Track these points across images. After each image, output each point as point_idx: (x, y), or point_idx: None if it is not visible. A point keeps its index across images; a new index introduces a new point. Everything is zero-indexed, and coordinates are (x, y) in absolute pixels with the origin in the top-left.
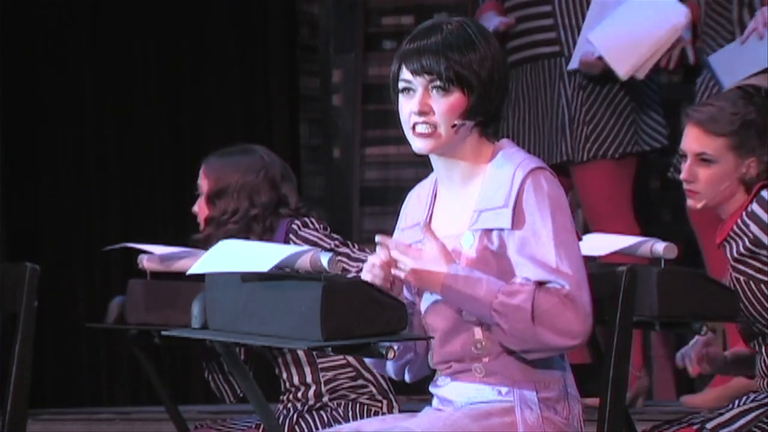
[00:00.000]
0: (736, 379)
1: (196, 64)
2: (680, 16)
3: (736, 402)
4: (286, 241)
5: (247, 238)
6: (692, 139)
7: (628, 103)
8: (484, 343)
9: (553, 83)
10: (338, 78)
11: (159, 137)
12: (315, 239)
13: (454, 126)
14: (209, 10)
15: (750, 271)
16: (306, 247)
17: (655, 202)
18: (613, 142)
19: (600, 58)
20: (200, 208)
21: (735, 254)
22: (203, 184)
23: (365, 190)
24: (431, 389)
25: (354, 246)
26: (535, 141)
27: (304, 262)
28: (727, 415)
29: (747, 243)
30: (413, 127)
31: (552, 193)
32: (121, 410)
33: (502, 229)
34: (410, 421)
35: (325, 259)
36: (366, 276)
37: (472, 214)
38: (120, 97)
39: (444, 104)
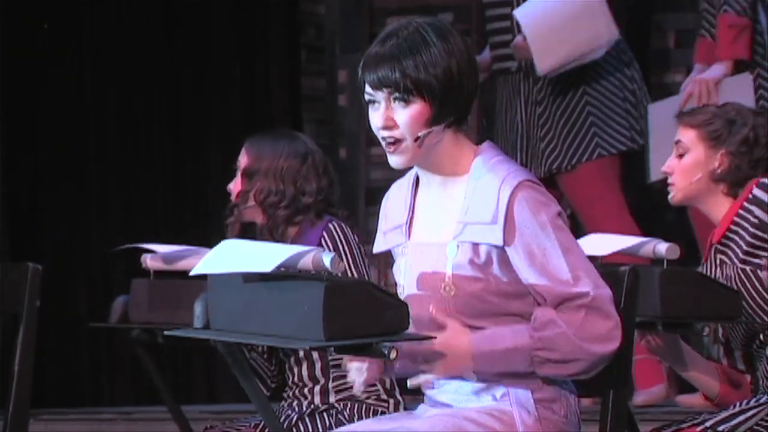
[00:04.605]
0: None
1: (198, 64)
2: (612, 34)
3: (737, 404)
4: (319, 239)
5: (285, 228)
6: None
7: (588, 113)
8: None
9: (512, 99)
10: (344, 78)
11: (161, 137)
12: (343, 249)
13: (417, 139)
14: (211, 11)
15: (759, 261)
16: (308, 247)
17: (658, 203)
18: (567, 153)
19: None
20: (235, 185)
21: (744, 248)
22: (242, 160)
23: (371, 190)
24: (423, 389)
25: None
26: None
27: (306, 263)
28: (726, 413)
29: (751, 229)
30: (383, 140)
31: (544, 205)
32: (123, 410)
33: (491, 246)
34: (410, 422)
35: (327, 259)
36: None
37: (456, 225)
38: (121, 97)
39: (406, 116)
